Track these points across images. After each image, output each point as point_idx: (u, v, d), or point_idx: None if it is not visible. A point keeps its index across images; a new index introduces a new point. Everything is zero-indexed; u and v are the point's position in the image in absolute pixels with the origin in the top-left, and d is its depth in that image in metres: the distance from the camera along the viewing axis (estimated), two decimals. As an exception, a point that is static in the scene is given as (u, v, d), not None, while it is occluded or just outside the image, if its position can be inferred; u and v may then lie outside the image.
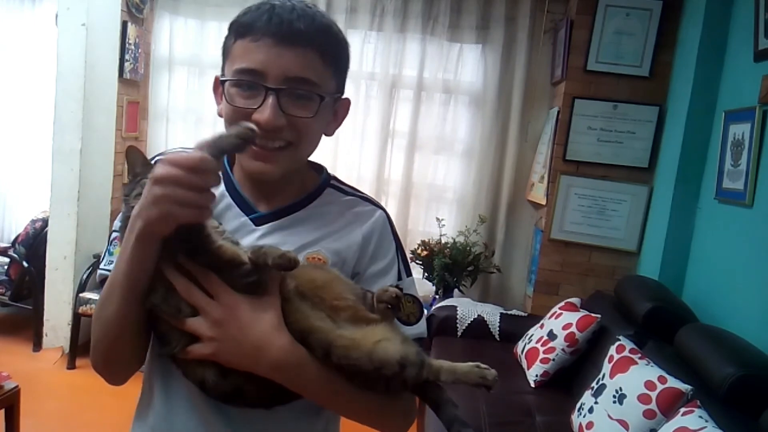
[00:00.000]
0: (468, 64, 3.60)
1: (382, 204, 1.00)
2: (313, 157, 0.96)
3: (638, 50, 3.08)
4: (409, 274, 0.96)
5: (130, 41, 3.53)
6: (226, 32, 0.87)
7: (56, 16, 3.35)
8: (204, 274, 0.75)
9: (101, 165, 3.52)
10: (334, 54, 0.86)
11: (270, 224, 0.89)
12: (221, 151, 0.73)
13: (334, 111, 0.91)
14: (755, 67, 2.33)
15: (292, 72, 0.81)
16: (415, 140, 3.65)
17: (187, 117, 3.89)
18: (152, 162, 0.85)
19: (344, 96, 0.92)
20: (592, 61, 3.12)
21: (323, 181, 0.96)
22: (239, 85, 0.83)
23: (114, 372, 0.86)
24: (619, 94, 3.13)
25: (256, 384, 0.76)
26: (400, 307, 0.84)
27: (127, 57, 3.53)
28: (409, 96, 3.64)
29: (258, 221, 0.89)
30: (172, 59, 3.86)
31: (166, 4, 3.81)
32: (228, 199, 0.91)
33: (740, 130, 2.35)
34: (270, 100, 0.81)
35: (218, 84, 0.89)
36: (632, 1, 3.06)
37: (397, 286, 0.85)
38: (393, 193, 3.71)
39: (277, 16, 0.80)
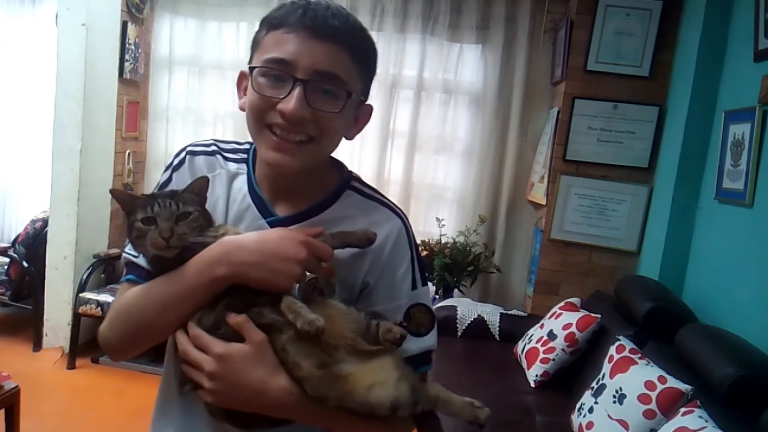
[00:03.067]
0: (468, 64, 3.60)
1: None
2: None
3: (638, 50, 3.08)
4: (424, 283, 0.95)
5: (130, 41, 3.53)
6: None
7: (56, 16, 3.35)
8: (192, 328, 0.79)
9: (101, 165, 3.52)
10: (365, 56, 0.86)
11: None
12: (346, 245, 0.84)
13: (356, 115, 0.90)
14: (755, 67, 2.33)
15: (321, 66, 0.81)
16: (415, 140, 3.65)
17: (187, 117, 3.89)
18: (176, 158, 0.93)
19: (368, 102, 0.92)
20: (592, 61, 3.12)
21: (343, 182, 0.95)
22: (267, 75, 0.82)
23: (125, 354, 0.88)
24: (619, 94, 3.13)
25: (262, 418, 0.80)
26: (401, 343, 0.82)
27: (127, 57, 3.53)
28: (409, 96, 3.64)
29: (274, 225, 0.88)
30: (172, 59, 3.85)
31: (166, 4, 3.81)
32: (248, 200, 0.91)
33: (740, 130, 2.34)
34: (297, 90, 0.80)
35: (243, 78, 0.89)
36: (632, 1, 3.06)
37: (401, 323, 0.84)
38: (393, 193, 3.70)
39: (312, 11, 0.81)
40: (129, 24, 3.50)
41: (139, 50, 3.66)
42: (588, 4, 3.10)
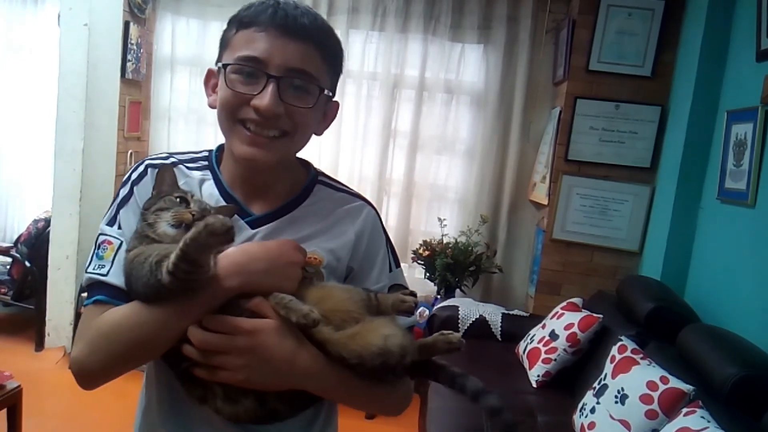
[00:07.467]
0: (470, 64, 3.60)
1: (383, 204, 1.02)
2: (313, 157, 0.97)
3: (640, 50, 3.07)
4: (398, 265, 1.01)
5: (132, 41, 3.54)
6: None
7: (59, 16, 3.36)
8: (210, 317, 0.78)
9: (103, 165, 3.53)
10: (333, 54, 0.89)
11: (266, 227, 0.90)
12: None
13: (324, 111, 0.93)
14: (758, 67, 2.32)
15: (293, 63, 0.83)
16: (417, 140, 3.65)
17: (189, 117, 3.90)
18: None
19: (335, 99, 0.94)
20: (594, 61, 3.12)
21: (312, 177, 0.98)
22: (240, 72, 0.85)
23: (105, 380, 0.85)
24: (621, 94, 3.13)
25: (288, 401, 0.83)
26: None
27: (129, 57, 3.53)
28: (411, 96, 3.63)
29: (254, 224, 0.90)
30: (174, 59, 3.86)
31: (168, 4, 3.81)
32: (222, 203, 0.91)
33: (742, 130, 2.34)
34: (270, 87, 0.83)
35: (211, 76, 0.94)
36: (634, 0, 3.05)
37: (411, 292, 0.90)
38: (395, 192, 3.71)
39: (282, 10, 0.84)
40: (131, 24, 3.51)
41: (141, 50, 3.67)
42: (590, 3, 3.10)
